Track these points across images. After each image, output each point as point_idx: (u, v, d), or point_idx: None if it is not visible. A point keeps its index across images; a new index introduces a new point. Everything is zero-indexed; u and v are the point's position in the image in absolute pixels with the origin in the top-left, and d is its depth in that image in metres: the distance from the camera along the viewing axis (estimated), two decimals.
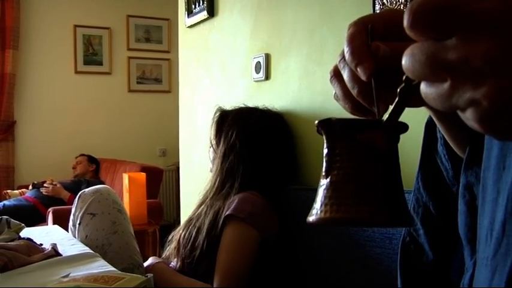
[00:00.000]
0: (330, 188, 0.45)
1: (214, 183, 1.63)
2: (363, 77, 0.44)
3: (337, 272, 1.45)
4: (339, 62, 0.47)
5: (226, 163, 1.61)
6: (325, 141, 0.46)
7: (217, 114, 1.70)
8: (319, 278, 1.53)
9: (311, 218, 0.45)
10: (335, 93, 0.50)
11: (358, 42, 0.45)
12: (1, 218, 1.51)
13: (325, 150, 0.46)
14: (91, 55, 4.95)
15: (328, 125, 0.46)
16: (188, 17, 2.56)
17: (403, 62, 0.33)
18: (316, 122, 0.46)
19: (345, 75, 0.47)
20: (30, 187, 4.10)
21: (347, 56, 0.45)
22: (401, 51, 0.44)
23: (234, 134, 1.61)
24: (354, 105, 0.48)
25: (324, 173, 0.46)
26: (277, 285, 1.57)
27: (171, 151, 4.90)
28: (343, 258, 1.42)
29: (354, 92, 0.46)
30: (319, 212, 0.44)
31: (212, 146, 1.70)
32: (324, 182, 0.45)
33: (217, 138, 1.67)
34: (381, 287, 1.30)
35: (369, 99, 0.46)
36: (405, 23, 0.31)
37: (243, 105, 1.76)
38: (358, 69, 0.44)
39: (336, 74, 0.48)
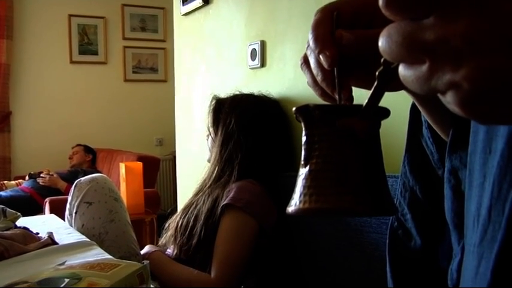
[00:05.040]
0: (308, 177, 0.43)
1: (213, 172, 1.63)
2: (325, 65, 0.44)
3: (333, 258, 1.46)
4: (307, 49, 0.47)
5: (225, 151, 1.60)
6: (303, 128, 0.45)
7: (214, 102, 1.69)
8: (316, 264, 1.53)
9: (290, 209, 0.43)
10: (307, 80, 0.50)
11: (321, 29, 0.45)
12: None
13: (304, 138, 0.44)
14: (86, 45, 4.92)
15: (306, 112, 0.44)
16: (183, 4, 2.54)
17: (380, 43, 0.31)
18: (294, 108, 0.45)
19: (311, 62, 0.47)
20: (27, 178, 4.09)
21: (311, 43, 0.45)
22: (366, 39, 0.43)
23: (232, 122, 1.60)
24: (322, 91, 0.48)
25: (302, 162, 0.44)
26: (275, 272, 1.57)
27: (168, 140, 4.89)
28: (340, 244, 1.42)
29: (318, 78, 0.47)
30: (298, 202, 0.42)
31: (210, 134, 1.69)
32: (302, 171, 0.44)
33: (215, 126, 1.66)
34: (378, 272, 1.30)
35: (332, 86, 0.46)
36: (380, 1, 0.29)
37: (238, 92, 1.76)
38: (321, 56, 0.44)
39: (306, 61, 0.48)
